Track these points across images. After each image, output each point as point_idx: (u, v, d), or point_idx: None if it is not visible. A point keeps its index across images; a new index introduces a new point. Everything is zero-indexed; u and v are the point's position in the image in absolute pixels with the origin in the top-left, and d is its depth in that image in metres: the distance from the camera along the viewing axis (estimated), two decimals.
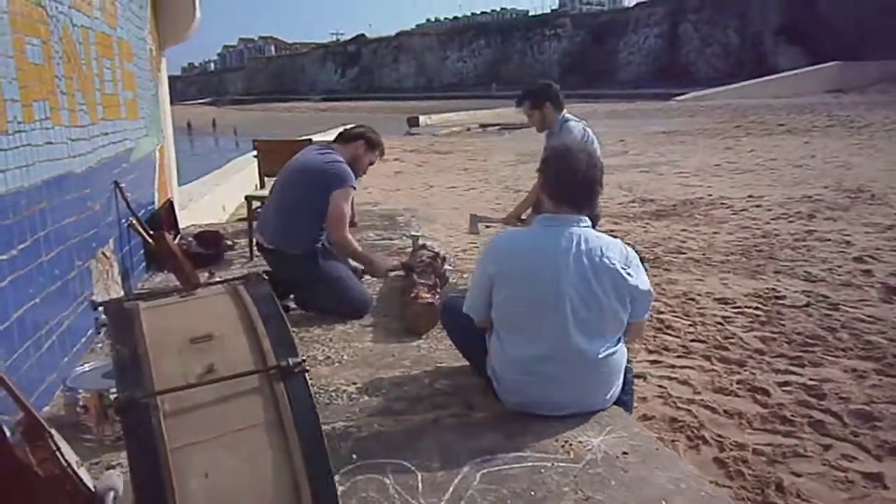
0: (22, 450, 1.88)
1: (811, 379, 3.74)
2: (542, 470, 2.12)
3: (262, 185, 5.17)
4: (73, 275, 3.02)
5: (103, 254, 3.52)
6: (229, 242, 5.05)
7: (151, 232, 4.04)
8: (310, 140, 5.05)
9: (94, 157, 3.45)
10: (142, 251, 4.35)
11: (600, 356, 2.38)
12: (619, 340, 2.49)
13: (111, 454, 2.26)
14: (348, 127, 3.88)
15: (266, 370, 1.15)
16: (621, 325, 2.44)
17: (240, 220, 6.81)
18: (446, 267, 4.23)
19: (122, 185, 3.88)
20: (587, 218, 2.50)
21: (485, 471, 2.11)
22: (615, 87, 46.87)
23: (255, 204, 4.77)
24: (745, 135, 17.66)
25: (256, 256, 4.82)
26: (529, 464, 2.16)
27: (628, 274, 2.38)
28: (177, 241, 4.76)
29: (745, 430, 3.29)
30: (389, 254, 5.02)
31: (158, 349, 1.14)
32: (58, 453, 1.86)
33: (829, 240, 6.68)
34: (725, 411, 3.44)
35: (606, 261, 2.36)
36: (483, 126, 25.91)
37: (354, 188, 3.59)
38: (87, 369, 2.49)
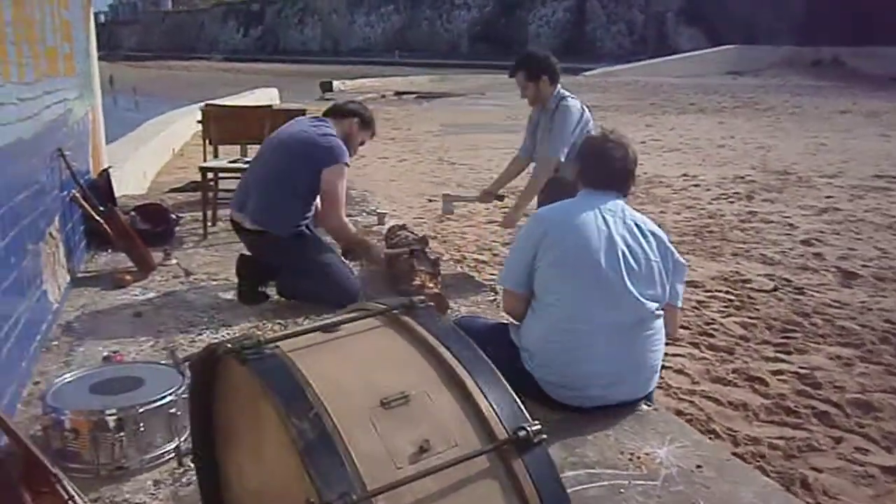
0: (21, 498, 1.51)
1: (801, 367, 3.73)
2: (622, 490, 1.92)
3: (216, 154, 4.67)
4: (26, 261, 2.54)
5: (50, 234, 3.03)
6: (174, 216, 4.54)
7: (101, 207, 3.53)
8: (269, 107, 4.59)
9: (39, 121, 2.94)
10: (82, 227, 3.83)
11: (654, 311, 2.33)
12: (661, 310, 2.41)
13: (110, 487, 1.88)
14: (339, 102, 3.54)
15: (498, 445, 0.85)
16: (665, 292, 2.38)
17: (173, 189, 6.24)
18: (427, 249, 3.93)
19: (67, 152, 3.35)
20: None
21: None
22: None
23: (210, 175, 4.30)
24: (661, 112, 18.03)
25: (211, 233, 4.38)
26: (606, 482, 1.95)
27: (668, 247, 2.41)
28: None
29: (753, 423, 3.23)
30: (356, 232, 4.67)
31: (347, 420, 0.82)
32: (71, 503, 1.50)
33: (773, 221, 6.82)
34: (730, 402, 3.37)
35: (652, 228, 2.40)
36: (398, 94, 25.35)
37: (348, 165, 3.24)
38: (68, 380, 2.07)
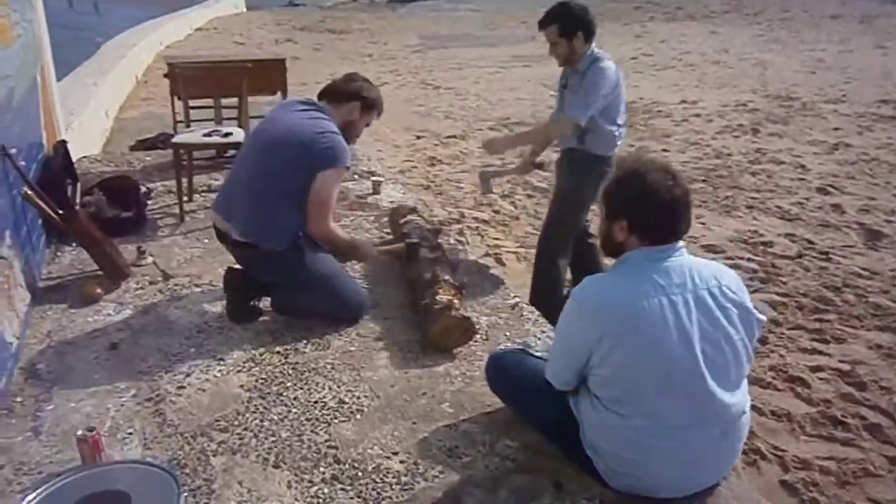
0: None
1: (841, 360, 3.48)
2: None
3: (187, 119, 4.08)
4: None
5: (1, 256, 2.56)
6: (145, 191, 4.03)
7: (60, 211, 3.02)
8: (246, 64, 4.01)
9: None
10: (39, 221, 3.34)
11: (744, 409, 1.93)
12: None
13: None
14: (338, 80, 2.94)
15: None
16: (751, 362, 1.96)
17: (140, 142, 5.66)
18: (441, 240, 3.50)
19: (12, 150, 2.83)
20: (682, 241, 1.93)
21: None
22: None
23: (185, 149, 3.76)
24: (648, 19, 17.25)
25: (188, 212, 3.89)
26: None
27: (749, 302, 1.93)
28: (78, 196, 3.74)
29: (799, 438, 2.98)
30: (349, 205, 4.22)
31: None
32: None
33: (784, 162, 6.45)
34: (772, 412, 3.11)
35: (728, 291, 1.88)
36: None
37: (348, 168, 2.77)
38: (33, 501, 1.69)
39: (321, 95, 2.88)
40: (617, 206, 1.91)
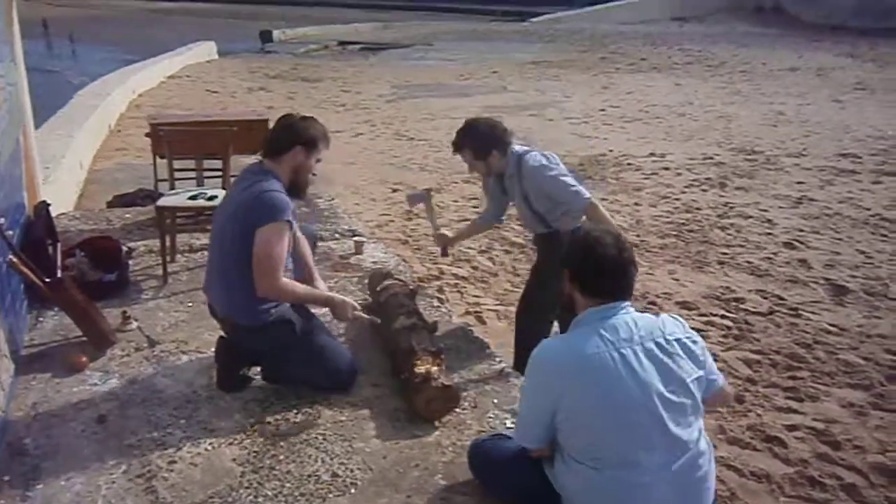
0: None
1: (815, 419, 3.58)
2: None
3: (171, 179, 4.09)
4: None
5: None
6: (126, 248, 4.01)
7: (46, 279, 3.01)
8: (231, 127, 4.05)
9: None
10: (21, 285, 3.31)
11: (703, 444, 2.06)
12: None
13: None
14: (274, 130, 2.89)
15: None
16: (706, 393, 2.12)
17: (117, 198, 5.63)
18: (419, 300, 3.55)
19: (0, 219, 2.83)
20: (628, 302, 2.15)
21: None
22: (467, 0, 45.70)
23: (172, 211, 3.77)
24: (614, 70, 17.72)
25: (171, 274, 3.89)
26: None
27: (693, 341, 2.11)
28: (59, 258, 3.72)
29: (779, 500, 3.05)
30: (332, 266, 4.25)
31: None
32: None
33: (751, 217, 6.66)
34: (752, 473, 3.18)
35: (670, 336, 2.07)
36: (342, 44, 24.32)
37: (289, 221, 2.70)
38: None
39: (264, 153, 2.85)
40: (565, 256, 2.19)
